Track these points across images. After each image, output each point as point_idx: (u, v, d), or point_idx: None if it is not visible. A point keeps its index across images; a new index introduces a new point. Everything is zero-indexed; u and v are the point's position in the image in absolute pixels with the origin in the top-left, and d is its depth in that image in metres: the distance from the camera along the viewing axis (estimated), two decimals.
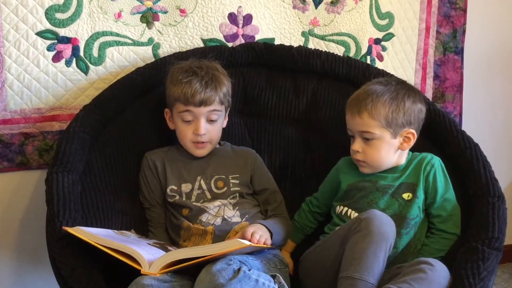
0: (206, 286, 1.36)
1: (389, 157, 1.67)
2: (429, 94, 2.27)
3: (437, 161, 1.69)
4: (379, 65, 2.16)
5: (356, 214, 1.66)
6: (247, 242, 1.43)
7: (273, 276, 1.47)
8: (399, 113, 1.62)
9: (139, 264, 1.41)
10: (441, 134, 1.78)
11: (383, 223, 1.49)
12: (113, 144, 1.80)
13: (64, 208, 1.55)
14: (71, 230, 1.45)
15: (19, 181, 1.91)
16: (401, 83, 1.70)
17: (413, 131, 1.66)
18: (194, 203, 1.73)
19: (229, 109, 1.82)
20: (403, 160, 1.70)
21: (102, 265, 1.50)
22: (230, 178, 1.77)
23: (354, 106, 1.65)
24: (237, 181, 1.77)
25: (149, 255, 1.43)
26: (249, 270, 1.40)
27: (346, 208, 1.71)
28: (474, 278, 1.44)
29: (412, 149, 1.79)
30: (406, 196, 1.66)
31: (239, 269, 1.38)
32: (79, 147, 1.68)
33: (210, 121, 1.74)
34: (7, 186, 1.91)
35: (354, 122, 1.65)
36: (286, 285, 1.48)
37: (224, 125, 1.82)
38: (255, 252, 1.59)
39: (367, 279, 1.43)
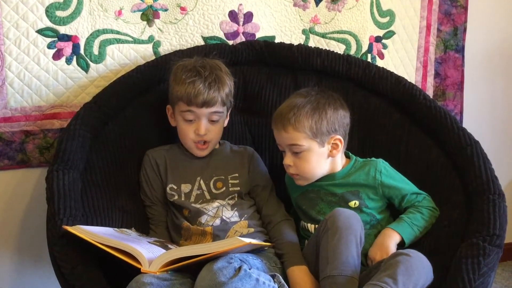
0: (207, 284, 1.36)
1: (320, 167, 1.69)
2: (430, 92, 2.27)
3: (382, 165, 1.71)
4: (380, 63, 2.16)
5: (312, 226, 1.71)
6: (247, 240, 1.43)
7: (273, 276, 1.48)
8: (323, 122, 1.65)
9: (139, 262, 1.41)
10: (441, 131, 1.78)
11: (348, 216, 1.52)
12: (113, 142, 1.80)
13: (64, 206, 1.55)
14: (71, 229, 1.45)
15: (20, 179, 1.92)
16: (321, 92, 1.72)
17: (339, 137, 1.68)
18: (193, 205, 1.73)
19: (231, 108, 1.82)
20: (338, 167, 1.72)
21: (103, 263, 1.50)
22: (229, 179, 1.77)
23: (279, 122, 1.68)
24: (237, 181, 1.77)
25: (149, 254, 1.43)
26: (250, 269, 1.40)
27: (303, 223, 1.75)
28: (474, 274, 1.44)
29: (413, 147, 1.79)
30: (352, 204, 1.69)
31: (240, 268, 1.38)
32: (79, 145, 1.68)
33: (212, 121, 1.74)
34: (7, 184, 1.91)
35: (281, 137, 1.68)
36: (285, 285, 1.49)
37: (226, 124, 1.82)
38: (255, 251, 1.60)
39: (345, 273, 1.45)
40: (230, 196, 1.75)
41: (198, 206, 1.73)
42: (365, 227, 1.66)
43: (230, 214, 1.72)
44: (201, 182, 1.76)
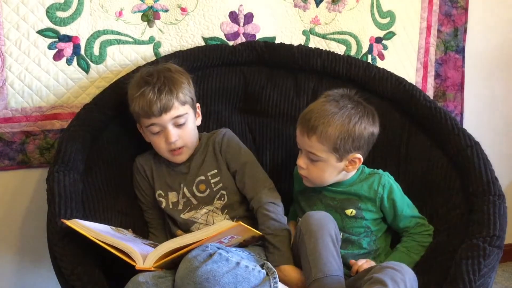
0: (183, 272, 1.36)
1: (332, 177, 1.68)
2: (430, 93, 2.27)
3: (386, 179, 1.69)
4: (380, 64, 2.16)
5: None
6: (236, 223, 1.44)
7: (262, 265, 1.45)
8: (348, 140, 1.62)
9: (134, 260, 1.42)
10: (441, 132, 1.78)
11: (319, 217, 1.54)
12: (113, 143, 1.80)
13: (65, 207, 1.56)
14: (68, 222, 1.46)
15: (20, 179, 1.92)
16: (356, 106, 1.65)
17: (360, 156, 1.65)
18: (182, 216, 1.73)
19: (198, 105, 1.78)
20: (348, 177, 1.71)
21: (103, 263, 1.50)
22: (209, 177, 1.74)
23: (305, 127, 1.64)
24: (217, 178, 1.74)
25: (143, 251, 1.45)
26: (227, 253, 1.39)
27: (299, 219, 1.72)
28: (474, 274, 1.44)
29: (413, 148, 1.79)
30: (349, 212, 1.68)
31: (214, 253, 1.37)
32: (80, 146, 1.69)
33: (179, 125, 1.69)
34: (8, 185, 1.91)
35: (303, 141, 1.65)
36: (274, 270, 1.44)
37: (198, 123, 1.78)
38: (249, 246, 1.60)
39: (330, 273, 1.46)
40: (217, 197, 1.73)
41: (186, 217, 1.73)
42: (359, 236, 1.67)
43: (221, 220, 1.71)
44: (185, 189, 1.75)
